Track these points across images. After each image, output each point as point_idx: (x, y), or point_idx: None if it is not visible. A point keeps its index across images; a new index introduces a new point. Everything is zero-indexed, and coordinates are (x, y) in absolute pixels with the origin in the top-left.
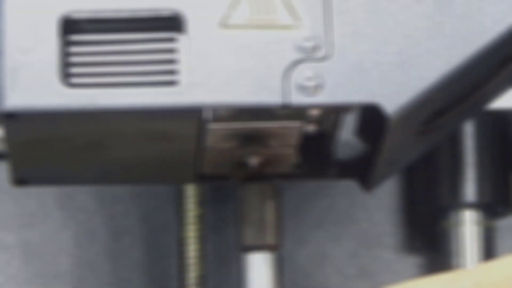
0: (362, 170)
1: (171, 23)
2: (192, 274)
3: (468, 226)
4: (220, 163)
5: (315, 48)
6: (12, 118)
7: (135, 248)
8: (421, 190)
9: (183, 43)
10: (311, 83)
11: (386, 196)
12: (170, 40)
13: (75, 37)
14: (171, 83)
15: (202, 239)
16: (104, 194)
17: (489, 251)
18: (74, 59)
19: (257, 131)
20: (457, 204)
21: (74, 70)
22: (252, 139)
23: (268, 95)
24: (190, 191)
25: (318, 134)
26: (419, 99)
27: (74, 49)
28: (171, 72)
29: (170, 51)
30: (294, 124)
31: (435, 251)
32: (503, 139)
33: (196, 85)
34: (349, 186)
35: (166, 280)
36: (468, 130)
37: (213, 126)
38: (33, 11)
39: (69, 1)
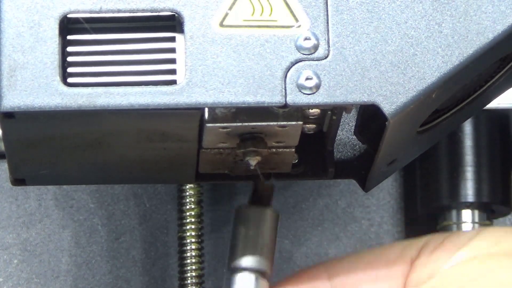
0: (362, 170)
1: (171, 23)
2: (192, 274)
3: (468, 226)
4: (220, 163)
5: (314, 48)
6: (10, 117)
7: (135, 248)
8: (421, 190)
9: (182, 42)
10: (310, 83)
11: (386, 196)
12: (170, 39)
13: (74, 37)
14: (170, 82)
15: (202, 238)
16: (104, 194)
17: None
18: (73, 58)
19: (256, 131)
20: (457, 204)
21: (73, 69)
22: (251, 139)
23: (267, 95)
24: (190, 191)
25: (317, 134)
26: (418, 99)
27: (72, 48)
28: (171, 72)
29: (170, 50)
30: (294, 124)
31: None
32: (503, 139)
33: (196, 84)
34: (349, 186)
35: (166, 280)
36: (467, 130)
37: (213, 125)
38: (32, 11)
39: (67, 1)
